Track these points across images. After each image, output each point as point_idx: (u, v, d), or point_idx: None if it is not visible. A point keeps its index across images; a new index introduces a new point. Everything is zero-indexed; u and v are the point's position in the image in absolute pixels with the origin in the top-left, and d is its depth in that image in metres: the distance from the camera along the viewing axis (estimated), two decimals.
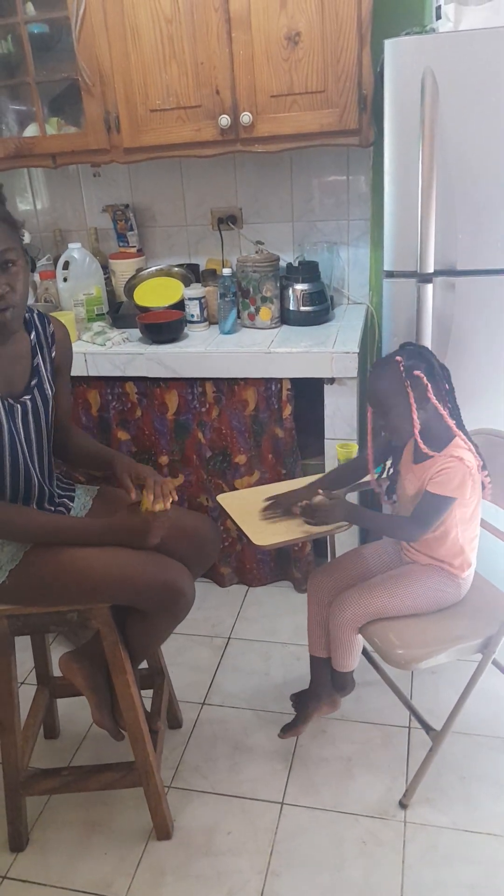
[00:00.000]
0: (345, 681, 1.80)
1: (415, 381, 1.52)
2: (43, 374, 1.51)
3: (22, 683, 2.07)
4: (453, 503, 1.56)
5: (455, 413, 1.60)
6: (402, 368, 1.52)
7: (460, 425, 1.60)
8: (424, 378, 1.52)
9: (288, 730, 1.85)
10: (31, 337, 1.51)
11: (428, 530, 1.59)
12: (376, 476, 1.75)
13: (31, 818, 1.74)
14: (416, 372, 1.52)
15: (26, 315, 1.49)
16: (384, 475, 1.76)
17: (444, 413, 1.56)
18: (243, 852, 1.64)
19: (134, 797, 1.72)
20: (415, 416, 1.53)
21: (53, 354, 1.55)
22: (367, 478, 1.78)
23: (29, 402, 1.47)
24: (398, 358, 1.53)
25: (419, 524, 1.59)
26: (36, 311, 1.55)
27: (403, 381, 1.52)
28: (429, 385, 1.53)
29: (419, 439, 1.54)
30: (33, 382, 1.49)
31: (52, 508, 1.58)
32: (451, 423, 1.57)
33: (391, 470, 1.74)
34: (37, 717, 1.81)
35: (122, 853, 1.66)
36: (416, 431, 1.54)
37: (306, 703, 1.83)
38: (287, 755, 1.88)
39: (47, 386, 1.52)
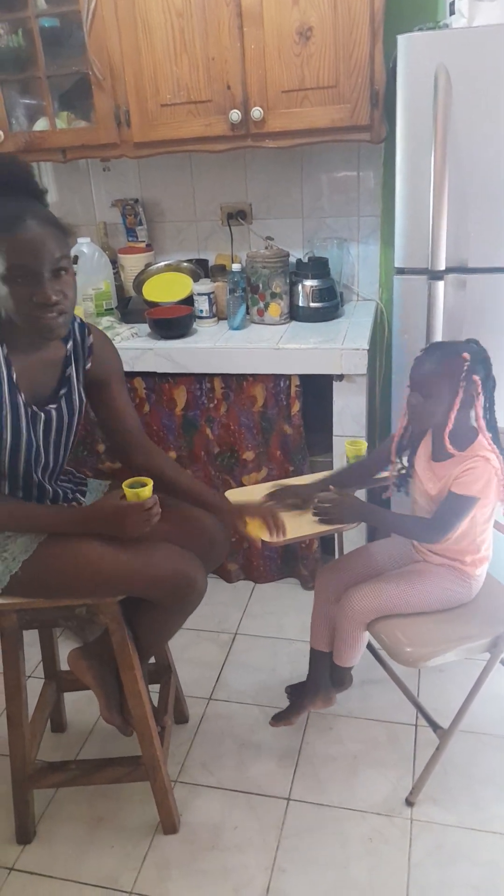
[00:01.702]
0: (343, 676, 1.80)
1: (470, 384, 1.50)
2: (73, 384, 1.49)
3: (29, 677, 2.07)
4: (477, 503, 1.55)
5: (492, 419, 1.57)
6: (465, 367, 1.49)
7: (492, 427, 1.57)
8: (480, 386, 1.51)
9: (280, 719, 1.86)
10: (68, 346, 1.48)
11: (451, 533, 1.57)
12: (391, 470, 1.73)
13: (38, 811, 1.74)
14: (476, 377, 1.50)
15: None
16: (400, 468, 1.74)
17: (482, 424, 1.54)
18: (249, 848, 1.64)
19: (140, 792, 1.73)
20: (453, 415, 1.51)
21: (88, 366, 1.52)
22: (384, 473, 1.77)
23: (54, 412, 1.46)
24: (465, 355, 1.50)
25: (442, 526, 1.57)
26: (78, 321, 1.51)
27: (460, 379, 1.50)
28: (481, 395, 1.52)
29: (447, 437, 1.53)
30: (62, 392, 1.47)
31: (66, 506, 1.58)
32: (483, 425, 1.55)
33: (406, 465, 1.73)
34: (44, 711, 1.82)
35: (128, 847, 1.66)
36: (448, 429, 1.52)
37: (301, 696, 1.84)
38: (293, 752, 1.88)
39: (76, 397, 1.50)
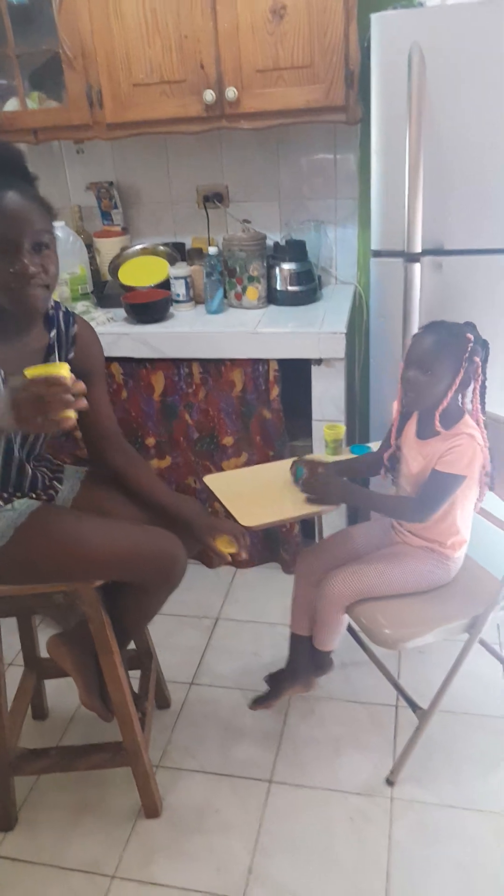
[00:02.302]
0: (323, 660, 1.81)
1: (472, 365, 1.52)
2: None
3: (9, 665, 2.06)
4: (461, 482, 1.55)
5: (482, 403, 1.60)
6: (469, 347, 1.51)
7: (483, 411, 1.60)
8: (479, 368, 1.53)
9: (259, 703, 1.88)
10: (51, 334, 1.47)
11: (436, 511, 1.58)
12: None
13: (19, 799, 1.74)
14: (477, 359, 1.52)
15: (50, 311, 1.46)
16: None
17: (477, 407, 1.57)
18: (232, 830, 1.65)
19: (123, 777, 1.73)
20: (451, 394, 1.53)
21: (71, 356, 1.50)
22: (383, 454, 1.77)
23: None
24: (469, 336, 1.51)
25: (427, 505, 1.57)
26: (63, 309, 1.50)
27: (463, 359, 1.51)
28: (480, 376, 1.54)
29: (438, 414, 1.54)
30: None
31: (42, 493, 1.56)
32: (478, 408, 1.58)
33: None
34: (24, 699, 1.81)
35: (111, 832, 1.67)
36: (441, 408, 1.54)
37: (281, 680, 1.85)
38: (276, 735, 1.89)
39: None
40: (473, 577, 1.73)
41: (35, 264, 1.29)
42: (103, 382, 1.61)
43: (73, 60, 2.14)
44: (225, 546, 1.58)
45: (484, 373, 1.56)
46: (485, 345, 1.55)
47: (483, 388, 1.57)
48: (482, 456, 1.56)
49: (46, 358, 1.46)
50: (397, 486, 1.74)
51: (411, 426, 1.67)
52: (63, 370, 1.15)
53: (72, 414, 1.13)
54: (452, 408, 1.57)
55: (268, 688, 1.90)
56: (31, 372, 1.15)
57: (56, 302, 1.51)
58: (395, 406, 1.70)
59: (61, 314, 1.49)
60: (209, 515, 1.70)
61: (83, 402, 1.14)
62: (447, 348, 1.52)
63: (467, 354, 1.51)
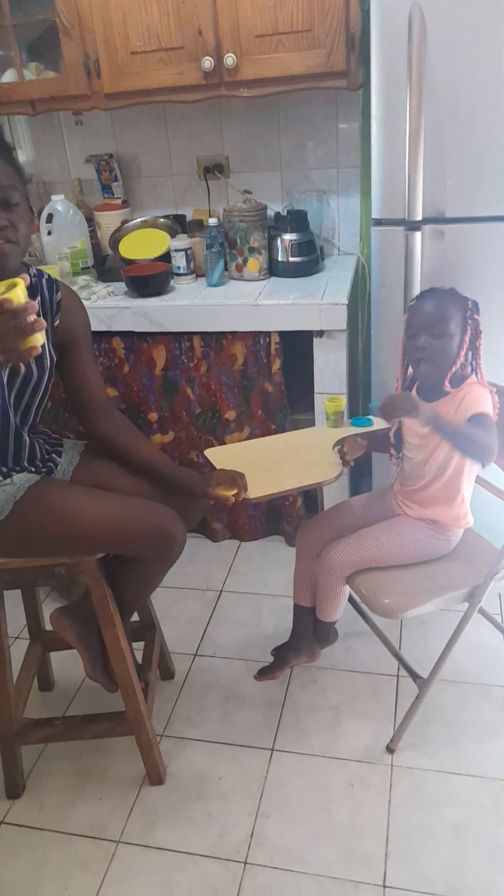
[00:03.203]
0: (327, 631, 1.82)
1: (475, 323, 1.57)
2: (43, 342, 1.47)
3: (16, 639, 2.09)
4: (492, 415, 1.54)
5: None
6: (469, 306, 1.57)
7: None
8: (480, 325, 1.58)
9: (264, 673, 1.89)
10: (35, 301, 1.46)
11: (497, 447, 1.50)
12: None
13: (26, 768, 1.77)
14: (477, 317, 1.57)
15: (32, 279, 1.44)
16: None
17: (481, 364, 1.60)
18: (234, 796, 1.68)
19: (127, 746, 1.76)
20: (462, 353, 1.56)
21: (56, 323, 1.50)
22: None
23: (23, 367, 1.43)
24: (466, 297, 1.57)
25: (491, 446, 1.47)
26: (46, 276, 1.50)
27: (467, 318, 1.56)
28: (481, 333, 1.58)
29: (448, 376, 1.56)
30: None
31: (41, 465, 1.57)
32: (481, 365, 1.61)
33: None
34: (30, 671, 1.84)
35: (115, 799, 1.70)
36: (454, 367, 1.56)
37: (286, 651, 1.86)
38: (277, 704, 1.92)
39: (45, 356, 1.47)
40: (473, 547, 1.73)
41: (1, 218, 1.29)
42: (89, 348, 1.60)
43: (69, 29, 2.11)
44: (224, 491, 1.59)
45: (482, 332, 1.59)
46: (475, 305, 1.59)
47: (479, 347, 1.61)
48: (494, 400, 1.57)
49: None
50: (403, 460, 1.74)
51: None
52: (13, 292, 1.05)
53: (34, 341, 1.07)
54: (459, 371, 1.59)
55: (273, 659, 1.92)
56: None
57: (38, 270, 1.50)
58: (398, 382, 1.69)
59: (44, 281, 1.49)
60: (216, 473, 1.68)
61: (41, 324, 1.06)
62: (451, 307, 1.55)
63: (469, 311, 1.56)
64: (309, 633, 1.85)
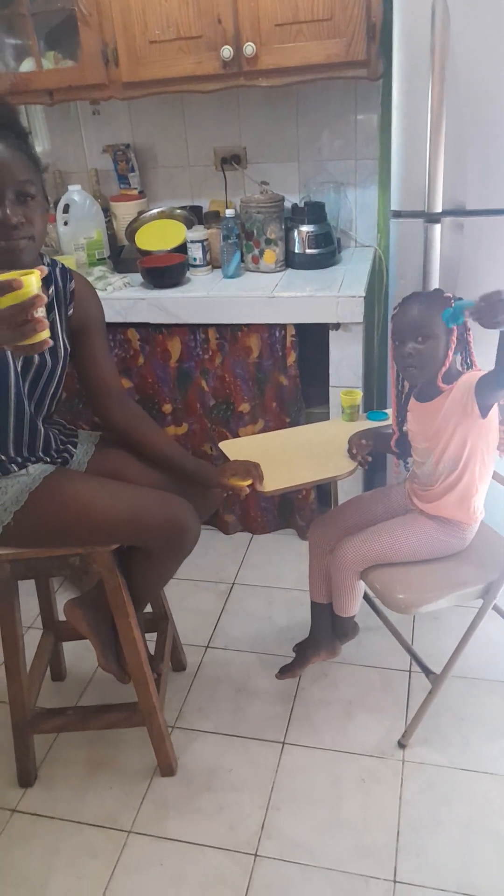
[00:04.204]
0: (346, 627, 1.82)
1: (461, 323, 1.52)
2: (57, 332, 1.46)
3: (29, 628, 2.10)
4: None
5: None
6: (452, 303, 1.48)
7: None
8: (468, 323, 1.50)
9: (285, 671, 1.89)
10: (49, 291, 1.45)
11: None
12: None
13: (39, 757, 1.79)
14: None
15: (47, 268, 1.44)
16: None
17: (475, 360, 1.56)
18: (245, 789, 1.68)
19: (138, 737, 1.76)
20: (451, 353, 1.52)
21: (70, 312, 1.50)
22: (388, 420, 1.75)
23: (37, 357, 1.43)
24: (449, 294, 1.50)
25: None
26: (60, 266, 1.49)
27: None
28: (469, 331, 1.52)
29: (441, 376, 1.53)
30: None
31: (56, 456, 1.57)
32: (475, 361, 1.57)
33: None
34: (43, 660, 1.84)
35: (127, 789, 1.71)
36: (444, 370, 1.52)
37: (306, 648, 1.86)
38: (289, 697, 1.92)
39: (60, 346, 1.47)
40: (488, 543, 1.71)
41: (17, 214, 1.28)
42: (103, 336, 1.60)
43: (88, 17, 2.10)
44: (239, 481, 1.60)
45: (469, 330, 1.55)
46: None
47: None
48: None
49: (48, 315, 1.44)
50: (413, 465, 1.72)
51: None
52: (27, 279, 1.02)
53: (38, 338, 1.05)
54: (452, 369, 1.56)
55: (294, 656, 1.91)
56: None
57: (52, 259, 1.49)
58: (392, 391, 1.68)
59: (58, 271, 1.48)
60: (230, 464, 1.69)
61: (43, 324, 1.04)
62: (433, 309, 1.49)
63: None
64: (327, 629, 1.84)
